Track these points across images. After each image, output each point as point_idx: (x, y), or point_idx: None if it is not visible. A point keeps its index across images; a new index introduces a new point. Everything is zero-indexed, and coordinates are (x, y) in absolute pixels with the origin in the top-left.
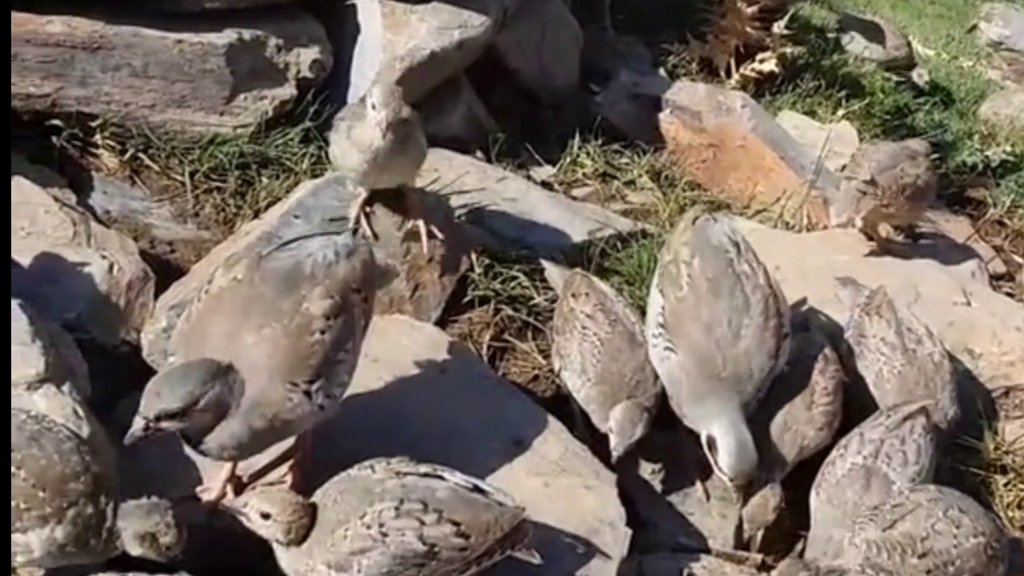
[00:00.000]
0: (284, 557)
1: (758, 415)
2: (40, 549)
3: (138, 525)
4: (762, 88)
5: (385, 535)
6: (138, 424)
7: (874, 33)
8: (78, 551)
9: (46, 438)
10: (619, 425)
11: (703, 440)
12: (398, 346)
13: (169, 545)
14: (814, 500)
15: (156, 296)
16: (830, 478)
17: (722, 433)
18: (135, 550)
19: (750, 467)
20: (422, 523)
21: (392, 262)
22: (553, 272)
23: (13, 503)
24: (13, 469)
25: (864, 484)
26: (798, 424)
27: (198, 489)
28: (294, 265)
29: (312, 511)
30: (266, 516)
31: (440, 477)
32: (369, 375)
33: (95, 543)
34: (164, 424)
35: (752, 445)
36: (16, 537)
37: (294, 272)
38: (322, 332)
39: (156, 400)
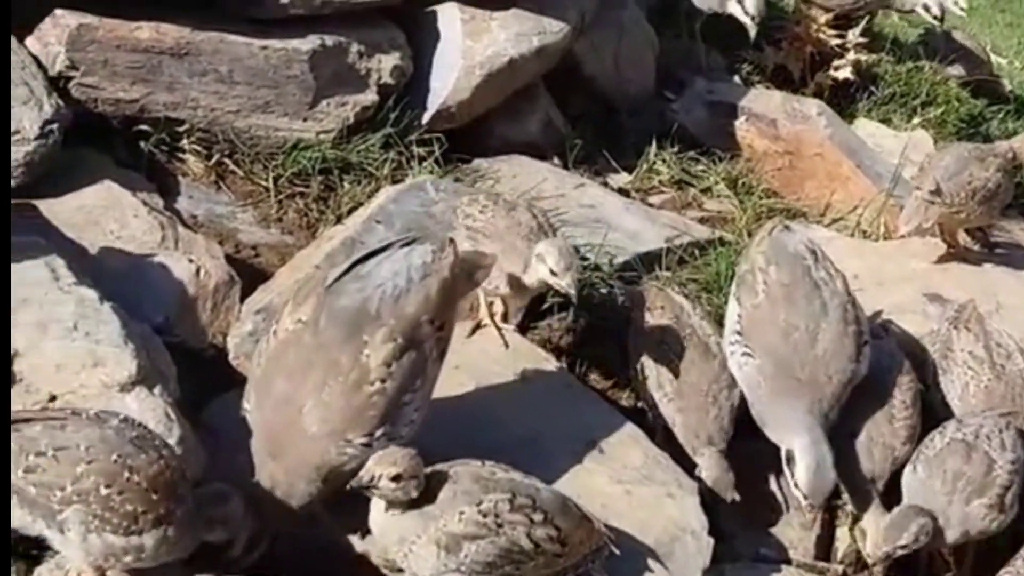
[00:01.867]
0: (388, 522)
1: (841, 434)
2: (152, 549)
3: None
4: (837, 96)
5: (500, 526)
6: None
7: (959, 51)
8: (178, 547)
9: (147, 442)
10: (714, 483)
11: (783, 454)
12: (480, 352)
13: None
14: (908, 476)
15: (241, 300)
16: (928, 452)
17: (802, 451)
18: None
19: (827, 488)
20: (531, 521)
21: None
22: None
23: (129, 507)
24: (126, 474)
25: (965, 456)
26: (884, 438)
27: None
28: (360, 304)
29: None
30: (397, 479)
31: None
32: (451, 381)
33: (191, 538)
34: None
35: (831, 465)
36: (131, 540)
37: (359, 314)
38: (382, 381)
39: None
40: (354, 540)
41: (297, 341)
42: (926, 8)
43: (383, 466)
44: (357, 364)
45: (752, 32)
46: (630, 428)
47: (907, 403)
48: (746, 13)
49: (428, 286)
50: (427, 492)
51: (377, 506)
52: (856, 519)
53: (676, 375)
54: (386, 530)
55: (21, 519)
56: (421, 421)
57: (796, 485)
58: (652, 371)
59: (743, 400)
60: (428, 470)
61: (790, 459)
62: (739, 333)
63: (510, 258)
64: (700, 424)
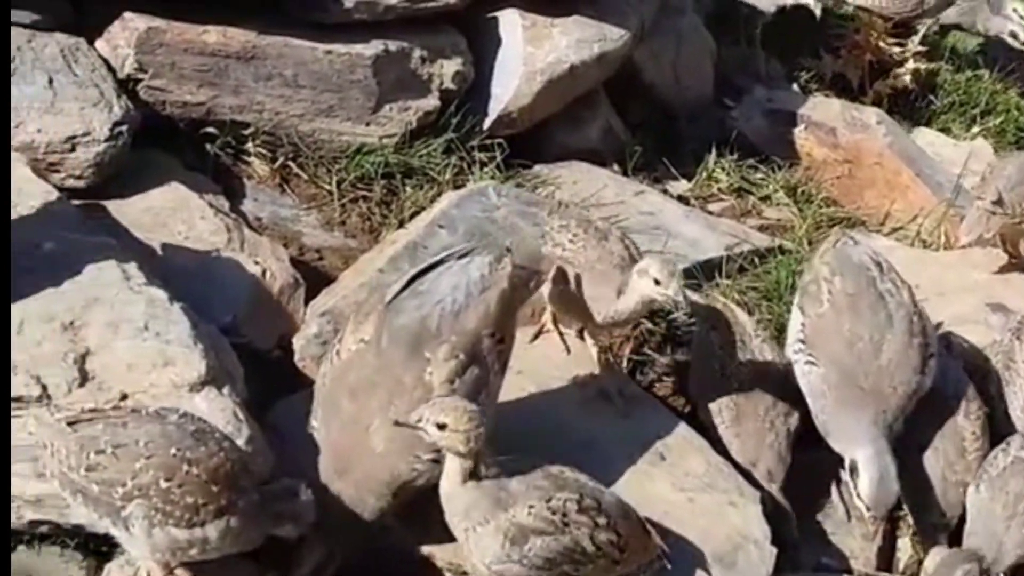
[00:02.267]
0: (457, 492)
1: (908, 452)
2: (216, 540)
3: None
4: (896, 104)
5: (567, 525)
6: None
7: (1019, 60)
8: (243, 539)
9: (207, 436)
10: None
11: (846, 464)
12: (541, 358)
13: None
14: (971, 495)
15: (306, 302)
16: (991, 471)
17: (865, 462)
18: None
19: (891, 500)
20: (595, 524)
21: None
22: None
23: (190, 499)
24: (185, 467)
25: None
26: (958, 475)
27: None
28: (420, 321)
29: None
30: (442, 427)
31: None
32: (513, 386)
33: (257, 530)
34: None
35: (895, 477)
36: (194, 532)
37: (419, 332)
38: None
39: None
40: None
41: (360, 361)
42: (1014, 35)
43: (433, 412)
44: (420, 383)
45: (817, 10)
46: (692, 435)
47: (977, 433)
48: None
49: (487, 300)
50: (500, 479)
51: (448, 475)
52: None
53: (735, 400)
54: (453, 498)
55: (87, 517)
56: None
57: (859, 496)
58: (712, 395)
59: (804, 420)
60: (503, 458)
61: (853, 470)
62: (803, 342)
63: (600, 289)
64: (757, 450)
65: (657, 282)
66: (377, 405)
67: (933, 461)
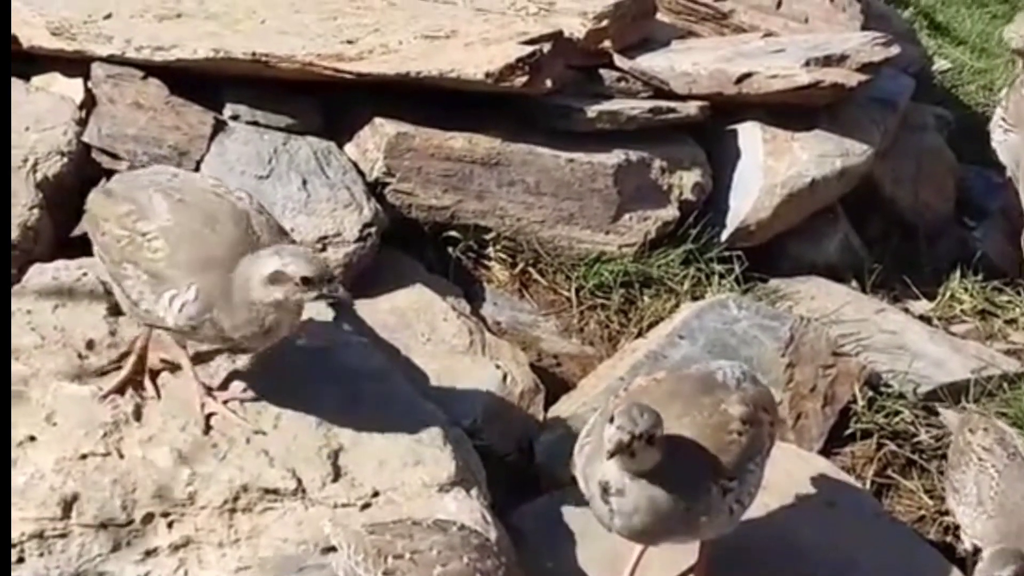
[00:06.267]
0: None
1: None
2: None
3: None
4: None
5: None
6: (624, 436)
7: None
8: None
9: (487, 550)
10: None
11: None
12: (784, 474)
13: None
14: None
15: (545, 408)
16: None
17: None
18: None
19: None
20: None
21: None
22: (950, 415)
23: None
24: None
25: None
26: None
27: None
28: (708, 374)
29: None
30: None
31: None
32: (756, 502)
33: None
34: (635, 444)
35: None
36: None
37: (710, 379)
38: (739, 434)
39: (637, 420)
40: None
41: (655, 386)
42: None
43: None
44: (717, 411)
45: None
46: (946, 565)
47: None
48: None
49: (758, 386)
50: None
51: None
52: None
53: (997, 494)
54: None
55: None
56: (748, 507)
57: None
58: (972, 490)
59: None
60: None
61: None
62: None
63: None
64: (1020, 541)
65: None
66: (676, 412)
67: None
